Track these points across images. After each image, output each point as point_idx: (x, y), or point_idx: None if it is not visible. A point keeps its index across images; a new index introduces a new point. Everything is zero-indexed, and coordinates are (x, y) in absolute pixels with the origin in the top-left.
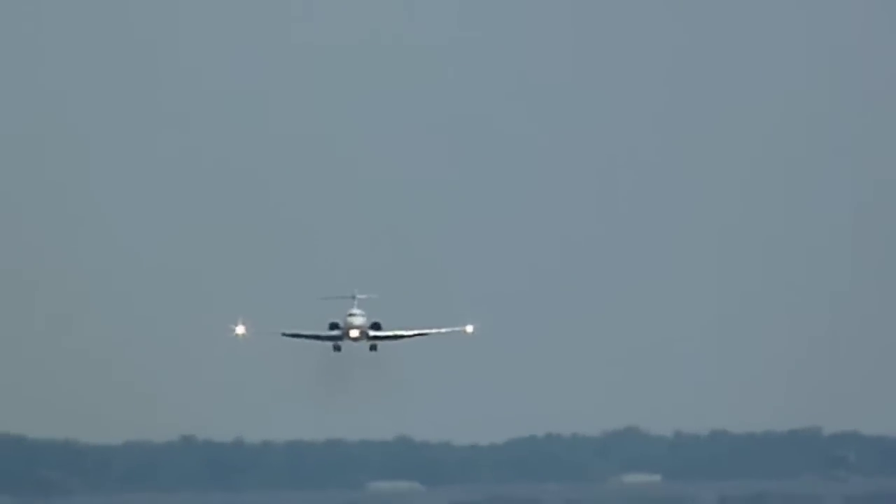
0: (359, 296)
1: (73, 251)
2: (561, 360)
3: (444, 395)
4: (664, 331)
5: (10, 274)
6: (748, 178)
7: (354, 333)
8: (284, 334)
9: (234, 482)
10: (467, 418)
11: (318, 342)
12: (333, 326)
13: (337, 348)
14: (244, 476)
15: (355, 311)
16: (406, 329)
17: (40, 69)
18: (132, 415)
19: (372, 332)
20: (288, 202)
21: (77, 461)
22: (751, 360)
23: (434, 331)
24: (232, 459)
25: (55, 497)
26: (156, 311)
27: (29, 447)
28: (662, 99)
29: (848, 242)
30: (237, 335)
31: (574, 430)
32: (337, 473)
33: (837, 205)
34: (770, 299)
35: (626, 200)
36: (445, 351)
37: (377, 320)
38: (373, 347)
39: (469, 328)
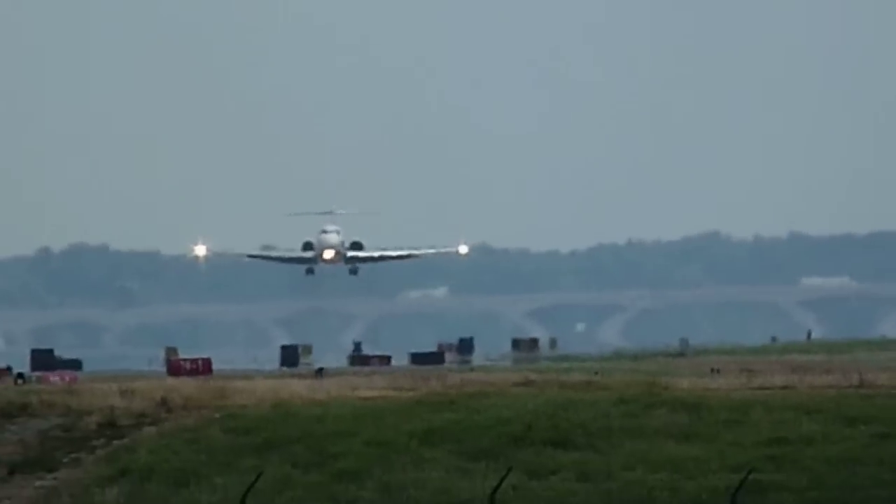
0: (338, 211)
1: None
2: (641, 166)
3: (524, 202)
4: (742, 134)
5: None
6: None
7: (329, 254)
8: (250, 255)
9: (317, 291)
10: (547, 225)
11: (288, 264)
12: (307, 247)
13: (310, 271)
14: (325, 285)
15: (329, 227)
16: (391, 249)
17: None
18: (213, 226)
19: (351, 253)
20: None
21: (159, 271)
22: (831, 162)
23: (422, 251)
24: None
25: (137, 307)
26: None
27: (112, 257)
28: None
29: None
30: (196, 256)
31: (655, 236)
32: (414, 281)
33: None
34: (851, 100)
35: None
36: (524, 156)
37: (358, 239)
38: (353, 271)
39: (463, 248)
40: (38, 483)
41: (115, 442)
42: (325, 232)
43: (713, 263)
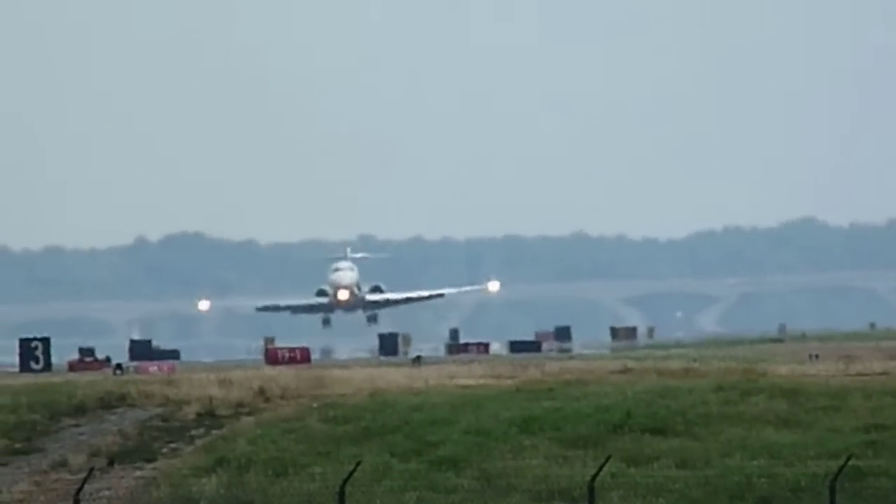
0: (351, 255)
1: None
2: (737, 153)
3: (621, 190)
4: (838, 120)
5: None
6: None
7: (343, 295)
8: (259, 308)
9: (409, 279)
10: (644, 213)
11: (303, 314)
12: (321, 293)
13: (326, 321)
14: (421, 272)
15: (342, 264)
16: (413, 291)
17: None
18: (309, 215)
19: (370, 297)
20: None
21: (255, 261)
22: None
23: (449, 291)
24: (410, 257)
25: (232, 297)
26: None
27: (208, 247)
28: None
29: None
30: (200, 311)
31: (752, 222)
32: (514, 268)
33: None
34: None
35: None
36: (621, 145)
37: (377, 283)
38: (371, 318)
39: (493, 286)
40: (137, 473)
41: (214, 432)
42: (337, 269)
43: (810, 249)
